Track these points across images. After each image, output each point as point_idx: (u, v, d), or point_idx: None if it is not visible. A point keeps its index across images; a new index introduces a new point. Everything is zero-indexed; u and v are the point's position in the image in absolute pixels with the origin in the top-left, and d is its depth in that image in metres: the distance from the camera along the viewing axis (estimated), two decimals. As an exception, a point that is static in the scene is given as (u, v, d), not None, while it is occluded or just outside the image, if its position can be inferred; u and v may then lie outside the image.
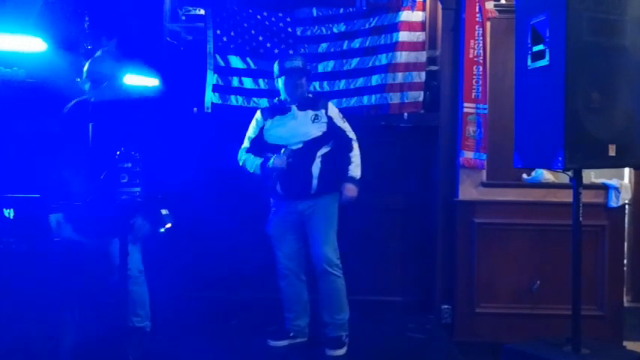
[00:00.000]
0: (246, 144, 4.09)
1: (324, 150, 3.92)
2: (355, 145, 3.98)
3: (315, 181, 3.89)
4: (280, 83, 3.99)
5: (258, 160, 3.98)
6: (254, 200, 4.63)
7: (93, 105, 3.53)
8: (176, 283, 4.54)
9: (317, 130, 3.91)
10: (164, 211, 3.27)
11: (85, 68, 3.52)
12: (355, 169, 3.94)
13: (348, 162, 3.93)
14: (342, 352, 3.86)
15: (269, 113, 4.06)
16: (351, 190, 3.90)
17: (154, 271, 3.91)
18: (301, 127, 3.92)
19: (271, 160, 3.90)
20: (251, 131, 4.09)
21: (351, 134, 3.99)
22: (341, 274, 3.91)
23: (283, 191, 3.97)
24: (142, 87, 4.23)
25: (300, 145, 3.89)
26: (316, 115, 3.93)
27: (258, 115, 4.10)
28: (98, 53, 3.54)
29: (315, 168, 3.89)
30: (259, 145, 4.03)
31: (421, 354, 4.08)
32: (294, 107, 3.96)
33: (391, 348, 4.11)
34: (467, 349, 4.13)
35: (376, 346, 3.96)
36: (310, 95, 4.11)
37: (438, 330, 4.42)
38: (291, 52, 4.68)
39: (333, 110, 3.99)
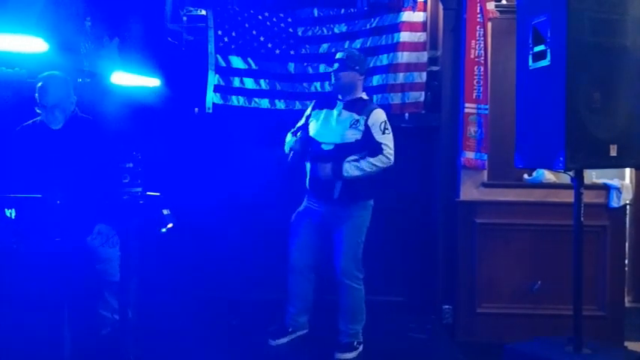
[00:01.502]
0: (295, 128, 4.03)
1: (354, 157, 3.78)
2: (382, 159, 3.74)
3: (338, 186, 3.80)
4: None
5: (290, 140, 3.97)
6: (256, 200, 4.64)
7: (49, 130, 3.62)
8: (178, 282, 4.54)
9: (351, 135, 3.77)
10: (165, 211, 3.27)
11: (36, 95, 3.58)
12: (352, 167, 3.72)
13: (362, 158, 3.75)
14: (351, 355, 3.85)
15: (319, 103, 3.99)
16: (323, 169, 3.77)
17: (155, 271, 3.92)
18: (338, 127, 3.81)
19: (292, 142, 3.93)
20: (303, 118, 4.03)
21: (387, 149, 3.76)
22: (360, 285, 3.89)
23: (310, 188, 3.95)
24: (141, 87, 4.24)
25: (331, 147, 3.80)
26: (357, 120, 3.78)
27: (312, 102, 4.08)
28: (39, 84, 3.56)
29: (336, 192, 3.83)
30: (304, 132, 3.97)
31: (422, 354, 4.08)
32: (340, 104, 3.87)
33: (392, 348, 4.11)
34: (468, 349, 4.13)
35: (377, 346, 3.96)
36: (365, 97, 3.95)
37: (439, 330, 4.42)
38: (292, 52, 4.68)
39: (375, 119, 3.78)
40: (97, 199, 3.47)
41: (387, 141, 3.79)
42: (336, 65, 3.86)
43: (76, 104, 3.69)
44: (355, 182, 3.80)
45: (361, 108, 3.83)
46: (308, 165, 3.96)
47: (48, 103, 3.54)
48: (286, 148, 4.00)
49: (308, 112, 4.03)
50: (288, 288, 4.04)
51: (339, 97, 3.88)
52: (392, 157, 3.80)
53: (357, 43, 4.69)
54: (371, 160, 3.75)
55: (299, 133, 3.91)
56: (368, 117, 3.78)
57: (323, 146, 3.83)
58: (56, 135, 3.61)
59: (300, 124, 4.02)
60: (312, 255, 4.00)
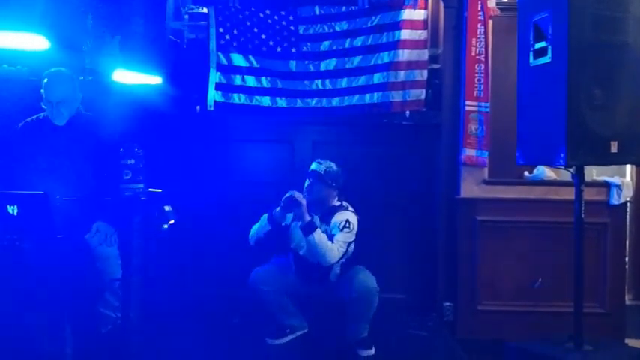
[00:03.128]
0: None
1: (341, 260, 3.89)
2: (328, 248, 3.72)
3: (334, 279, 3.92)
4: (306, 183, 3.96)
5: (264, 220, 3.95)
6: (258, 197, 4.64)
7: (53, 126, 3.61)
8: (179, 280, 4.54)
9: None
10: (167, 208, 3.28)
11: (42, 91, 3.58)
12: (319, 234, 3.72)
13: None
14: (373, 351, 3.87)
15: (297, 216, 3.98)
16: (299, 198, 3.80)
17: (157, 268, 3.92)
18: None
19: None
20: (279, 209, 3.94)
21: (335, 248, 3.74)
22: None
23: (297, 270, 4.00)
24: (143, 85, 4.24)
25: (315, 262, 3.85)
26: (326, 230, 3.84)
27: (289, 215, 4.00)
28: (46, 80, 3.57)
29: (334, 275, 3.93)
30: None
31: (423, 351, 4.08)
32: (317, 219, 3.89)
33: (393, 345, 4.12)
34: (469, 346, 4.14)
35: (378, 343, 3.96)
36: (336, 204, 3.98)
37: (440, 327, 4.42)
38: (293, 50, 4.68)
39: (335, 219, 3.85)
40: (96, 197, 3.48)
41: (341, 237, 3.79)
42: (307, 182, 3.92)
43: (80, 102, 3.70)
44: (349, 267, 3.90)
45: (332, 216, 3.89)
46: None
47: (54, 99, 3.55)
48: (257, 229, 3.99)
49: (288, 221, 3.97)
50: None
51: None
52: (334, 257, 3.75)
53: (358, 41, 4.69)
54: (325, 241, 3.75)
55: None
56: (331, 222, 3.85)
57: (307, 259, 3.88)
58: (60, 131, 3.61)
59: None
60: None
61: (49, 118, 3.63)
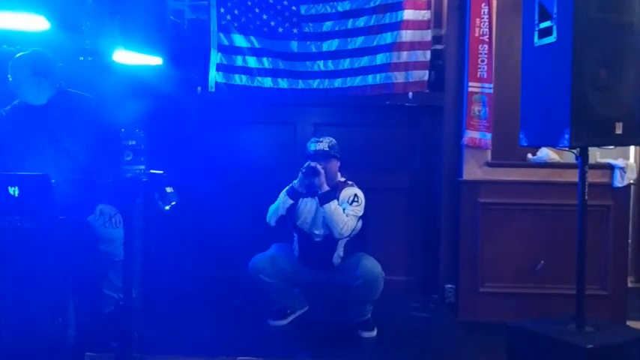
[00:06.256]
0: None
1: (345, 239, 3.88)
2: (343, 220, 3.74)
3: (337, 263, 3.92)
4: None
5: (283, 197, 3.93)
6: (260, 179, 4.64)
7: (32, 108, 3.52)
8: (181, 261, 4.55)
9: None
10: (169, 189, 3.27)
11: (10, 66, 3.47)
12: (335, 204, 3.76)
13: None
14: (375, 333, 3.89)
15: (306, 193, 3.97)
16: (319, 167, 3.80)
17: (158, 249, 3.92)
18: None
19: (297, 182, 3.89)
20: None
21: (349, 221, 3.76)
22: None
23: (300, 258, 3.99)
24: (143, 66, 4.22)
25: (321, 238, 3.88)
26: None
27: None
28: (20, 54, 3.47)
29: (337, 258, 3.91)
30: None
31: (425, 333, 4.09)
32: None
33: (395, 327, 4.12)
34: (471, 328, 4.15)
35: (380, 325, 3.98)
36: (342, 179, 3.99)
37: (441, 309, 4.43)
38: (295, 30, 4.64)
39: (343, 196, 3.85)
40: (97, 178, 3.45)
41: (351, 211, 3.81)
42: (309, 162, 3.87)
43: (62, 79, 3.56)
44: (351, 254, 3.89)
45: (339, 192, 3.88)
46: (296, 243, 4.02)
47: (11, 83, 3.47)
48: (276, 207, 3.96)
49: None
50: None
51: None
52: (347, 228, 3.76)
53: (361, 22, 4.64)
54: (340, 212, 3.77)
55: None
56: (339, 198, 3.84)
57: (313, 237, 3.90)
58: (40, 112, 3.51)
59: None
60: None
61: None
